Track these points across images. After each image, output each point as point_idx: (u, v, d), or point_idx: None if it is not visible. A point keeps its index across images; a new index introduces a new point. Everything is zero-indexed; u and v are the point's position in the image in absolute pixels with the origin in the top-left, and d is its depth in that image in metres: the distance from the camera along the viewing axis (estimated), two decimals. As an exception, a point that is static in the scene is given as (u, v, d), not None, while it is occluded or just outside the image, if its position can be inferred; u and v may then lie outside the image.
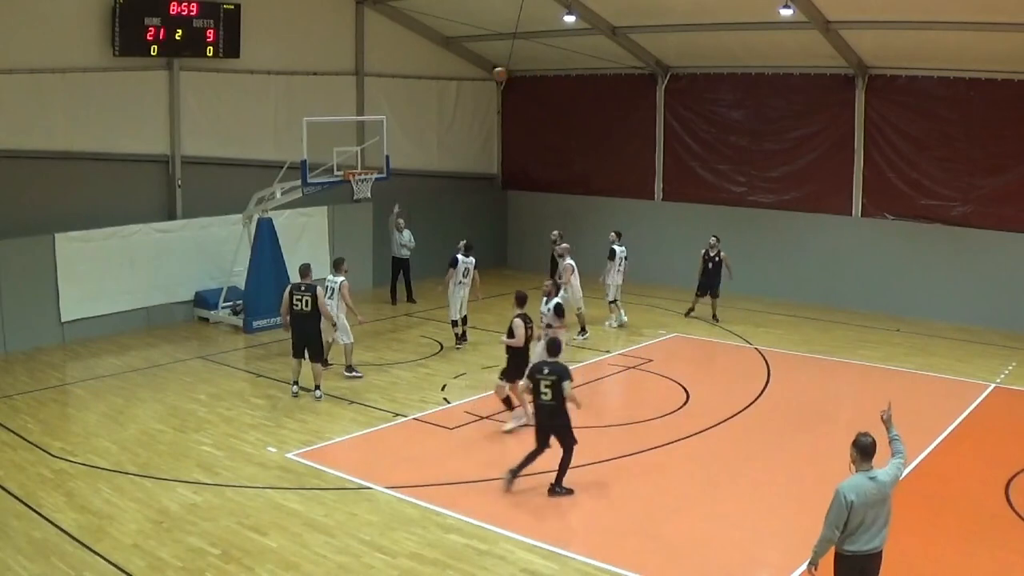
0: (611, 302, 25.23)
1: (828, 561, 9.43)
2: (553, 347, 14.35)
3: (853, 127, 27.94)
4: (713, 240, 25.17)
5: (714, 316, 25.51)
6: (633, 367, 21.13)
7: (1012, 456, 15.49)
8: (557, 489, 13.80)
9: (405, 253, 27.68)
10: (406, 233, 27.47)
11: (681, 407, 18.17)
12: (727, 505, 13.70)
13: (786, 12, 23.30)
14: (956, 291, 25.78)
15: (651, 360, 21.66)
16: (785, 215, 29.05)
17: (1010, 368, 21.46)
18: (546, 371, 13.89)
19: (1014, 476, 14.65)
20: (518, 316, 16.96)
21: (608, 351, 22.46)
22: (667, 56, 30.54)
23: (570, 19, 26.17)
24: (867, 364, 21.64)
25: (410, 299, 27.88)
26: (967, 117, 26.17)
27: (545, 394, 13.83)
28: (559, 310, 18.54)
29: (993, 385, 20.05)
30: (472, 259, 22.88)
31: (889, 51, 26.28)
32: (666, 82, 31.18)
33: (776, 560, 11.96)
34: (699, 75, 30.70)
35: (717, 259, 25.08)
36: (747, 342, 23.60)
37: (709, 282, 25.46)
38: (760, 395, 19.25)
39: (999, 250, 25.67)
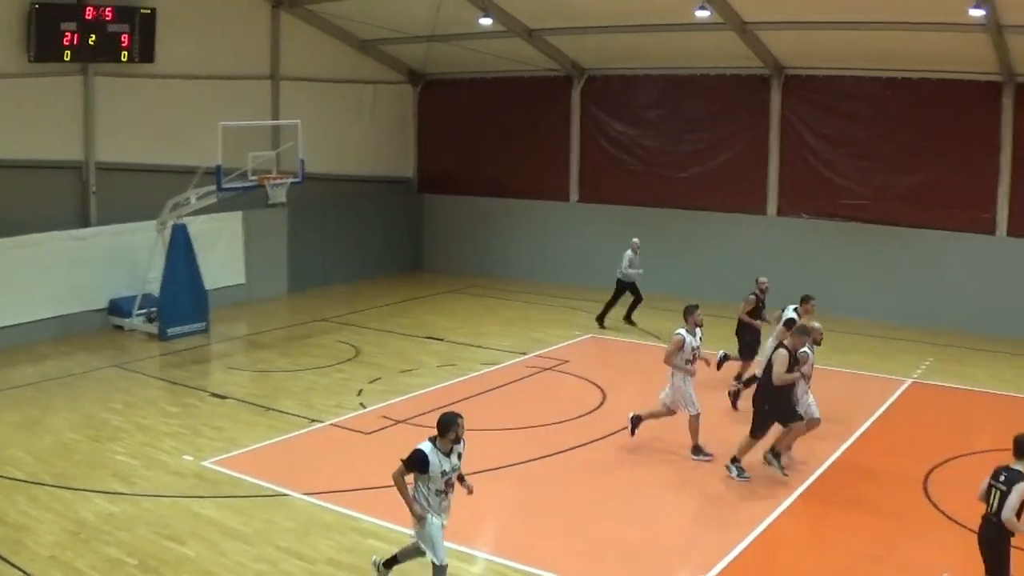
0: None
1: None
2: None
3: (769, 127, 28.47)
4: None
5: None
6: (549, 368, 21.31)
7: (929, 450, 15.96)
8: None
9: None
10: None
11: (598, 407, 18.42)
12: (648, 505, 13.98)
13: (702, 13, 23.56)
14: (874, 288, 26.38)
15: (567, 361, 21.88)
16: (701, 215, 29.47)
17: (927, 363, 22.07)
18: None
19: (932, 470, 15.11)
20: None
21: (524, 353, 22.57)
22: (583, 58, 30.84)
23: (486, 22, 26.29)
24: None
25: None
26: (884, 116, 26.83)
27: None
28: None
29: (910, 380, 20.64)
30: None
31: (805, 51, 26.78)
32: (582, 84, 31.49)
33: (698, 559, 12.15)
34: (616, 77, 31.02)
35: None
36: (662, 341, 23.79)
37: None
38: None
39: (916, 247, 26.40)
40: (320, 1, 28.41)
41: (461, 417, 10.43)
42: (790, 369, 14.57)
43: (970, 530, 12.73)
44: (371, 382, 19.93)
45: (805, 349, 15.20)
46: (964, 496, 14.05)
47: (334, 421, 17.38)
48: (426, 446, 10.37)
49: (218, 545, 12.13)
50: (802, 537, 13.06)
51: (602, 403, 18.75)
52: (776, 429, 15.00)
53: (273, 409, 17.96)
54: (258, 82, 28.94)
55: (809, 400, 15.61)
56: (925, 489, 14.46)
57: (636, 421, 16.38)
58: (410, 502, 10.42)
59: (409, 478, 10.48)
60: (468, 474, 14.15)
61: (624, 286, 25.45)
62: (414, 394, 19.04)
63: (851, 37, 24.92)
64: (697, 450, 15.87)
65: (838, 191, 27.67)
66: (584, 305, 27.48)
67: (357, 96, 32.29)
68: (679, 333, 15.98)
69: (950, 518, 13.38)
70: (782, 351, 14.77)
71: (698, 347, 16.13)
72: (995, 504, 10.10)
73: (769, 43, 26.81)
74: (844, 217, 27.59)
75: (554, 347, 23.27)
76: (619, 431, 16.84)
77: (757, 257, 27.73)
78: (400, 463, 10.40)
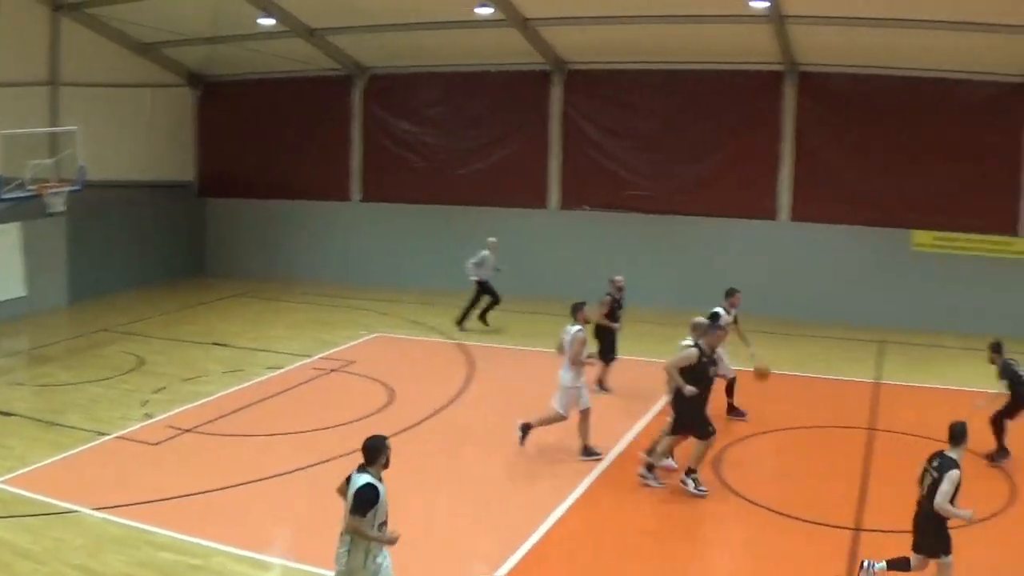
0: None
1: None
2: None
3: (550, 122, 29.41)
4: None
5: None
6: (336, 370, 21.60)
7: (718, 431, 16.61)
8: None
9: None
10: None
11: (387, 406, 18.77)
12: (440, 500, 14.40)
13: (484, 11, 24.23)
14: (660, 276, 27.55)
15: (354, 361, 22.19)
16: (483, 211, 30.17)
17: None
18: None
19: (721, 450, 16.10)
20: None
21: (310, 355, 22.77)
22: (366, 57, 31.17)
23: (266, 22, 26.37)
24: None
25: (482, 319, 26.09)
26: (667, 108, 28.18)
27: None
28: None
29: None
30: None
31: (587, 46, 27.67)
32: (365, 83, 31.83)
33: (491, 552, 12.58)
34: (398, 75, 31.45)
35: None
36: (449, 338, 24.59)
37: None
38: (464, 388, 20.22)
39: (700, 235, 27.96)
40: (100, 4, 27.88)
41: (388, 438, 9.69)
42: (703, 367, 14.45)
43: (759, 506, 13.98)
44: (156, 392, 19.75)
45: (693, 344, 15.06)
46: (752, 473, 15.33)
47: (121, 433, 17.13)
48: (368, 478, 9.34)
49: (10, 566, 11.93)
50: (598, 521, 13.70)
51: (390, 401, 19.09)
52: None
53: (59, 424, 17.68)
54: (37, 89, 28.24)
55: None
56: (716, 469, 15.38)
57: (588, 452, 16.07)
58: (379, 537, 9.44)
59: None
60: (259, 480, 14.60)
61: (484, 287, 25.57)
62: (201, 402, 19.00)
63: (633, 31, 25.85)
64: (526, 429, 16.22)
65: (622, 183, 28.81)
66: (369, 304, 27.96)
67: (137, 100, 31.82)
68: (581, 330, 16.05)
69: (739, 495, 14.41)
70: (693, 350, 14.59)
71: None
72: (926, 488, 10.52)
73: (550, 39, 27.63)
74: (628, 208, 28.74)
75: (340, 348, 23.57)
76: (407, 428, 17.23)
77: (541, 251, 28.74)
78: (353, 516, 9.33)
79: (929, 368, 22.74)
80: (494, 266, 25.57)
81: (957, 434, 10.60)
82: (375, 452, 9.47)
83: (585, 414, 16.06)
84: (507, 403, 18.97)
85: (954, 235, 26.58)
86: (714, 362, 14.93)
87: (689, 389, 14.24)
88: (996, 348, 16.08)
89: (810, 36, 25.17)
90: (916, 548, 10.75)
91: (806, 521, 13.46)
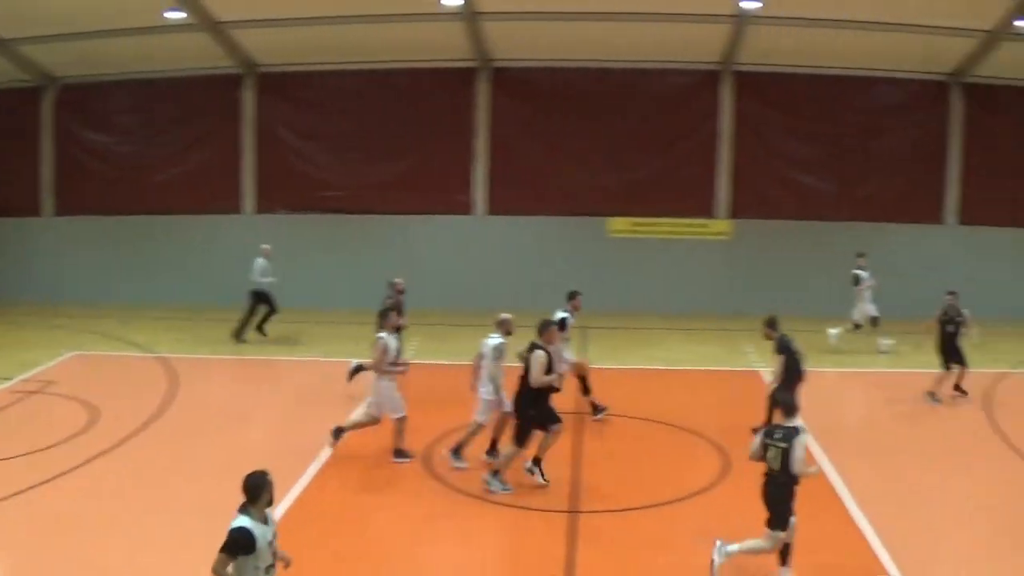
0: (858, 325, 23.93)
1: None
2: None
3: (242, 125, 29.51)
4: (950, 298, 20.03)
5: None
6: (36, 392, 20.83)
7: (426, 426, 17.03)
8: None
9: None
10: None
11: (90, 426, 18.14)
12: (157, 518, 13.67)
13: (174, 15, 24.16)
14: (356, 276, 28.01)
15: (55, 382, 21.48)
16: (180, 219, 30.15)
17: (415, 344, 23.70)
18: None
19: (429, 445, 16.54)
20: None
21: (9, 378, 21.80)
22: (56, 67, 30.28)
23: None
24: (276, 358, 23.30)
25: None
26: (359, 109, 28.73)
27: None
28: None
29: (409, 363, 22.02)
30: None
31: (280, 48, 27.85)
32: (56, 93, 30.96)
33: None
34: (91, 84, 30.84)
35: (959, 318, 19.66)
36: (150, 351, 24.19)
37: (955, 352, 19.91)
38: (169, 403, 19.75)
39: (394, 233, 28.84)
40: None
41: (269, 473, 8.82)
42: (549, 370, 14.46)
43: (473, 496, 14.41)
44: None
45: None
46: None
47: None
48: (245, 521, 8.49)
49: None
50: (310, 524, 13.54)
51: (93, 421, 18.47)
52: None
53: None
54: None
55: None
56: (427, 463, 15.78)
57: (338, 433, 16.03)
58: None
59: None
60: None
61: (260, 296, 25.02)
62: None
63: (326, 32, 26.32)
64: (400, 453, 15.93)
65: (317, 184, 29.26)
66: (70, 322, 27.29)
67: None
68: (382, 338, 15.80)
69: (452, 487, 14.80)
70: (540, 352, 14.40)
71: (400, 348, 16.63)
72: (778, 461, 10.74)
73: (242, 41, 27.66)
74: (324, 209, 29.18)
75: (40, 368, 22.75)
76: (112, 448, 16.78)
77: (235, 257, 27.67)
78: (219, 554, 8.40)
79: (633, 350, 24.08)
80: (271, 273, 25.09)
81: (788, 407, 11.15)
82: (256, 490, 8.68)
83: (371, 422, 16.16)
84: (213, 415, 19.01)
85: (652, 220, 28.25)
86: (557, 357, 15.11)
87: (557, 379, 14.66)
88: (771, 324, 16.81)
89: (503, 32, 26.20)
90: (772, 524, 10.94)
91: (522, 508, 13.90)
